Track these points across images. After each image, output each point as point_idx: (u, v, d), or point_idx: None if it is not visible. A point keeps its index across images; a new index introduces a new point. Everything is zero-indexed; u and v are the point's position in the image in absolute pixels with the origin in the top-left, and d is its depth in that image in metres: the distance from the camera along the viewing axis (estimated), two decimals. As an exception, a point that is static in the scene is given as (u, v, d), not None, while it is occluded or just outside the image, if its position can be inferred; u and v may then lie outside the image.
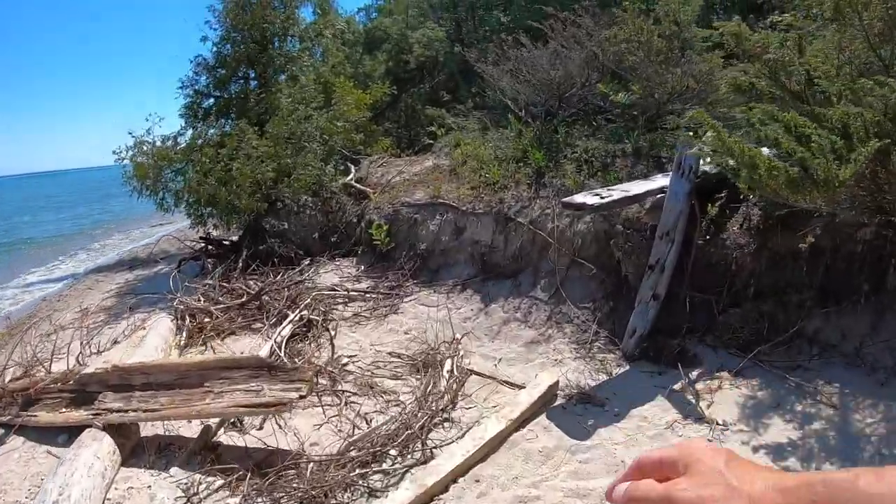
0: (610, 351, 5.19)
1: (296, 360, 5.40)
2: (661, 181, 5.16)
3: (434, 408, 4.36)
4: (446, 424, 4.33)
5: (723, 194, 5.27)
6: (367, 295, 7.27)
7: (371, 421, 4.42)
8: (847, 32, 4.10)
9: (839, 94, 3.84)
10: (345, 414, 4.53)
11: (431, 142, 9.79)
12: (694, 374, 4.70)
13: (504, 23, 11.50)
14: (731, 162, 3.84)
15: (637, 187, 4.98)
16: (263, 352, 5.27)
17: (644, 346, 4.96)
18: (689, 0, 6.77)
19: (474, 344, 5.66)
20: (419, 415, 4.25)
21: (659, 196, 4.96)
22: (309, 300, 6.60)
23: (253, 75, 11.05)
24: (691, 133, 6.94)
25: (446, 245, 6.98)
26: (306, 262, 8.61)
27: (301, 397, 4.02)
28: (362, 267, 8.10)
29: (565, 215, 6.09)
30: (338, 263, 8.44)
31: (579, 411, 4.42)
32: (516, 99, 8.20)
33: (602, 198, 4.56)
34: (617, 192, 4.76)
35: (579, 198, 4.62)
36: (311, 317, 6.32)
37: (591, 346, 5.26)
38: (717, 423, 4.08)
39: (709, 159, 4.50)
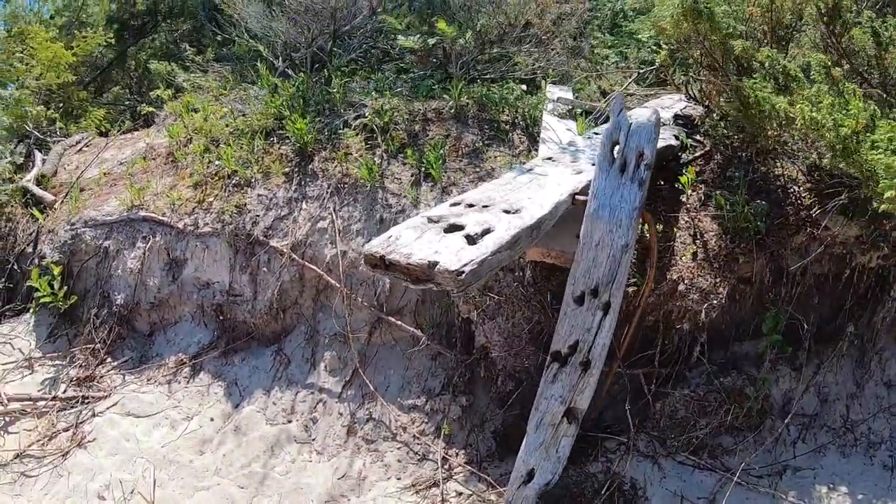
0: (481, 500, 2.79)
1: None
2: (567, 176, 2.63)
3: None
4: None
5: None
6: (39, 404, 4.07)
7: None
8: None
9: None
10: None
11: (154, 111, 6.37)
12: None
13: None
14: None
15: (527, 196, 2.36)
16: None
17: (547, 492, 2.61)
18: None
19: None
20: None
21: (568, 209, 2.45)
22: None
23: None
24: (524, 87, 4.69)
25: (159, 292, 3.97)
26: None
27: None
28: (40, 337, 4.76)
29: (354, 233, 3.50)
30: (6, 334, 4.95)
31: None
32: (271, 41, 5.24)
33: (472, 238, 1.96)
34: (493, 211, 2.16)
35: (408, 239, 1.94)
36: None
37: (443, 496, 2.81)
38: None
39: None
